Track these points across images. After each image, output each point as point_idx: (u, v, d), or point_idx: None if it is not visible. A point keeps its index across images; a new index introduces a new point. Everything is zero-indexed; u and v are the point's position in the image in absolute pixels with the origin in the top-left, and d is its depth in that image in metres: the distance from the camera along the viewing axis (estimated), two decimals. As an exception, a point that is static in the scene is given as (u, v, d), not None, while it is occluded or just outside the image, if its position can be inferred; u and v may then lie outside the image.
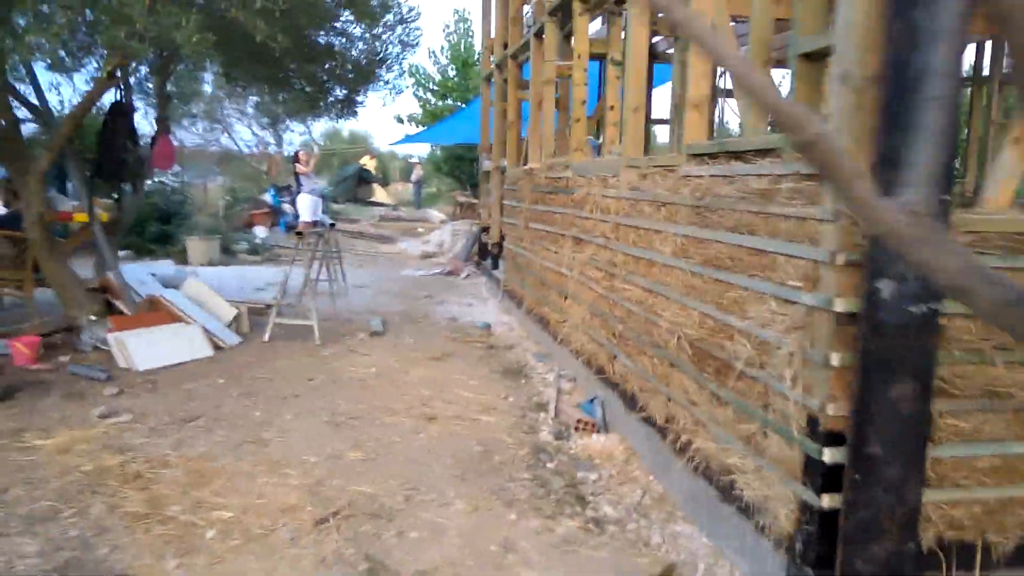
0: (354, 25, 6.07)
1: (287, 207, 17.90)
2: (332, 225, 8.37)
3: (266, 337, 6.89)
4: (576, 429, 4.91)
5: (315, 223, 8.61)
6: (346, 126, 37.25)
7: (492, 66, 10.58)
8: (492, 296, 9.78)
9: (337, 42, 6.21)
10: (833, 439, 2.68)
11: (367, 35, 6.17)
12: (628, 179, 4.56)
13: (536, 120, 7.69)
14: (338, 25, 5.99)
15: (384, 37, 6.21)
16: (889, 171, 2.52)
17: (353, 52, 6.26)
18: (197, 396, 5.20)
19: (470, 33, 19.22)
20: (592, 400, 5.21)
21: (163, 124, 6.87)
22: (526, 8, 9.14)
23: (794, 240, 2.82)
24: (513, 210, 8.52)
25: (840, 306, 2.60)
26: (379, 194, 29.60)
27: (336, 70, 6.25)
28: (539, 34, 7.46)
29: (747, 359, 3.11)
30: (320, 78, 6.36)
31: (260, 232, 15.84)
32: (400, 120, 20.13)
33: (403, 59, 6.64)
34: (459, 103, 19.26)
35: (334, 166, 29.86)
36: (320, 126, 30.56)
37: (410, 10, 6.25)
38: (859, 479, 2.68)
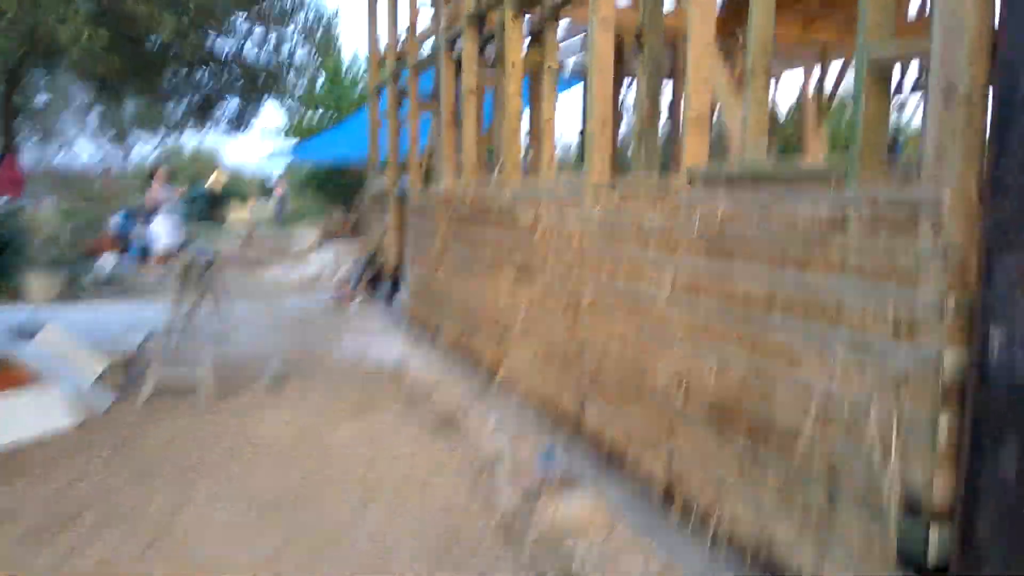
0: (254, 25, 5.17)
1: (139, 232, 16.14)
2: (213, 257, 7.30)
3: (146, 395, 5.80)
4: (542, 487, 4.32)
5: (188, 250, 7.50)
6: (191, 141, 34.83)
7: (383, 78, 9.84)
8: (394, 327, 9.00)
9: (230, 46, 5.29)
10: (938, 520, 2.27)
11: (270, 38, 5.28)
12: (598, 203, 4.05)
13: (451, 137, 7.07)
14: (239, 25, 5.08)
15: (295, 40, 5.35)
16: (1002, 202, 2.14)
17: (251, 57, 5.34)
18: (77, 482, 4.15)
19: (338, 43, 18.20)
20: (550, 451, 4.64)
21: (11, 145, 5.64)
22: (424, 13, 8.51)
23: (875, 278, 2.39)
24: (422, 233, 7.83)
25: (950, 360, 2.19)
26: (236, 213, 27.75)
27: (229, 77, 5.32)
28: (452, 42, 6.86)
29: (805, 418, 2.65)
30: (210, 87, 5.40)
31: (109, 261, 14.09)
32: (267, 133, 18.75)
33: (317, 64, 5.79)
34: (329, 114, 18.20)
35: (181, 184, 27.63)
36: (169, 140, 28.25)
37: (335, 12, 5.43)
38: (967, 566, 2.28)
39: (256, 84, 5.20)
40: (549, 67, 5.44)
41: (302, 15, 4.99)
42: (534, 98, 6.52)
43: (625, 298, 3.80)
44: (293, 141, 19.46)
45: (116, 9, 3.32)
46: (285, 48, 5.14)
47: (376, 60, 10.24)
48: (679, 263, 3.32)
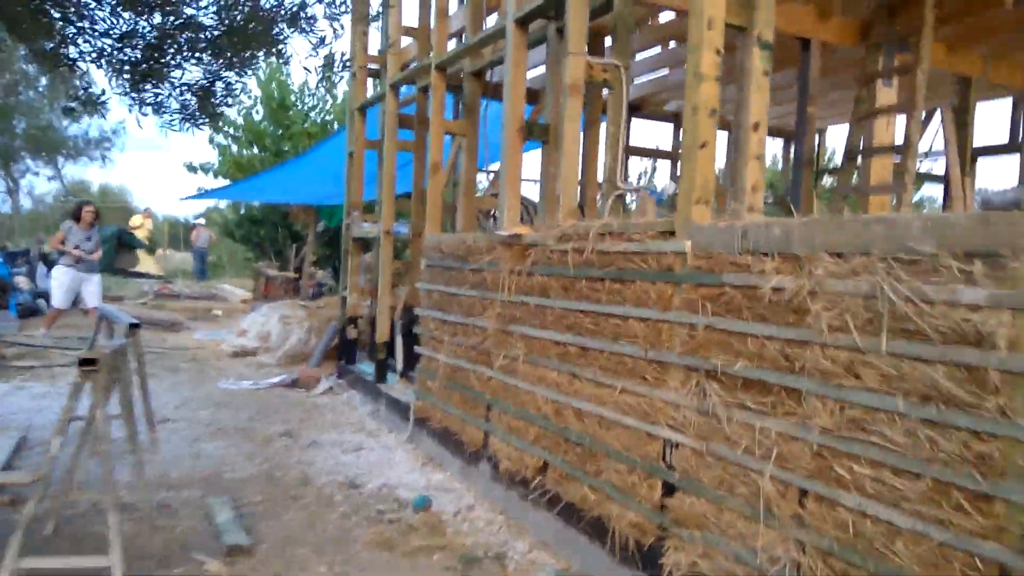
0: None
1: (21, 280, 12.90)
2: (136, 326, 4.62)
3: (-6, 601, 3.03)
4: None
5: (103, 317, 4.83)
6: (95, 177, 31.19)
7: (375, 92, 7.44)
8: (392, 429, 6.38)
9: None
10: None
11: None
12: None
13: (515, 161, 4.71)
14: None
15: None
16: None
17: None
18: None
19: (282, 70, 15.59)
20: None
21: None
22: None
23: None
24: (446, 298, 5.36)
25: None
26: (145, 263, 24.33)
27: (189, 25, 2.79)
28: (524, 20, 4.57)
29: None
30: (157, 38, 2.84)
31: (-21, 317, 10.87)
32: (192, 169, 15.82)
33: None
34: (267, 153, 15.50)
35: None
36: (70, 172, 24.62)
37: None
38: None
39: (241, 36, 2.77)
40: (759, 37, 3.19)
41: None
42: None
43: None
44: (222, 182, 16.63)
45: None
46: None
47: (364, 69, 7.83)
48: None
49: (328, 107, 16.24)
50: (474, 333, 4.94)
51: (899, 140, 5.46)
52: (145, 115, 3.32)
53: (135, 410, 4.34)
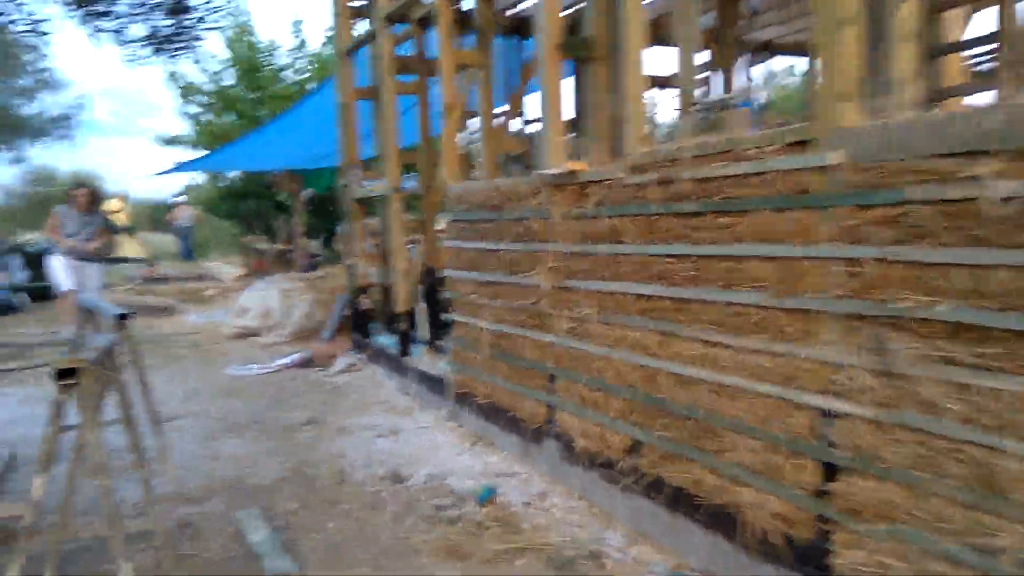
0: None
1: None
2: (123, 316, 3.89)
3: None
4: None
5: (87, 309, 4.10)
6: (63, 162, 29.91)
7: (374, 27, 6.57)
8: (420, 404, 5.72)
9: None
10: None
11: None
12: None
13: (554, 82, 3.94)
14: None
15: None
16: None
17: None
18: None
19: (251, 30, 14.49)
20: None
21: None
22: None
23: None
24: (485, 256, 4.63)
25: None
26: (128, 247, 23.35)
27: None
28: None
29: None
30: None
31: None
32: (167, 142, 14.80)
33: None
34: (243, 120, 14.52)
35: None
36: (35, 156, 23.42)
37: None
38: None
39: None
40: None
41: None
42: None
43: None
44: (199, 153, 15.65)
45: None
46: None
47: (347, 8, 6.94)
48: None
49: (303, 65, 15.21)
50: (522, 293, 4.23)
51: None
52: (102, 32, 2.54)
53: (136, 413, 3.62)
